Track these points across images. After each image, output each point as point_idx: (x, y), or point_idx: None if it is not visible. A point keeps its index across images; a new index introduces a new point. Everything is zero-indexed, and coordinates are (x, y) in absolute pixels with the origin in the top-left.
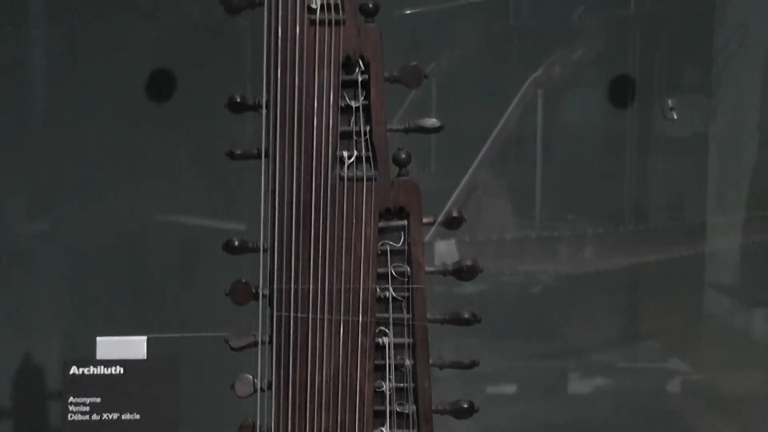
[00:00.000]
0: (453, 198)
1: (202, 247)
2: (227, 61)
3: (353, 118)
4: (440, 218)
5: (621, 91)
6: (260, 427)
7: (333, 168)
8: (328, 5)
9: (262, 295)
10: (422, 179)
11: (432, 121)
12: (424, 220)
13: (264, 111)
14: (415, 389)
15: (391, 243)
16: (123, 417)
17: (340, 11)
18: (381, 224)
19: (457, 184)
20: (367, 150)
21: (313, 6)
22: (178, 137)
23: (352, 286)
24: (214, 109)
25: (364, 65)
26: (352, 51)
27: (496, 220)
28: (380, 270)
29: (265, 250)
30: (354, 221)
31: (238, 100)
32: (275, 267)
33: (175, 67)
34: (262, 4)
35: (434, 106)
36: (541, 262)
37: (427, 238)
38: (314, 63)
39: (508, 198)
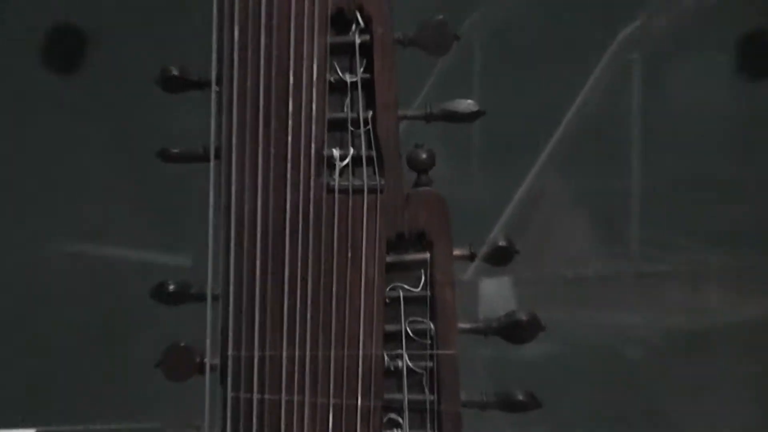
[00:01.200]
0: (503, 218)
1: (123, 293)
2: (167, 16)
3: (348, 100)
4: (482, 250)
5: (757, 55)
6: None
7: (318, 174)
8: None
9: (211, 366)
10: (455, 190)
11: (467, 104)
12: (456, 252)
13: (214, 90)
14: None
15: (405, 287)
16: None
17: None
18: (391, 258)
19: (509, 197)
20: (369, 147)
21: None
22: (90, 128)
23: (346, 353)
24: (145, 88)
25: (364, 21)
26: (347, 1)
27: (570, 248)
28: (389, 328)
29: (215, 299)
30: (350, 254)
31: (175, 73)
32: (231, 324)
33: (87, 23)
34: None
35: (474, 81)
36: (641, 309)
37: (465, 276)
38: (290, 18)
39: (589, 214)
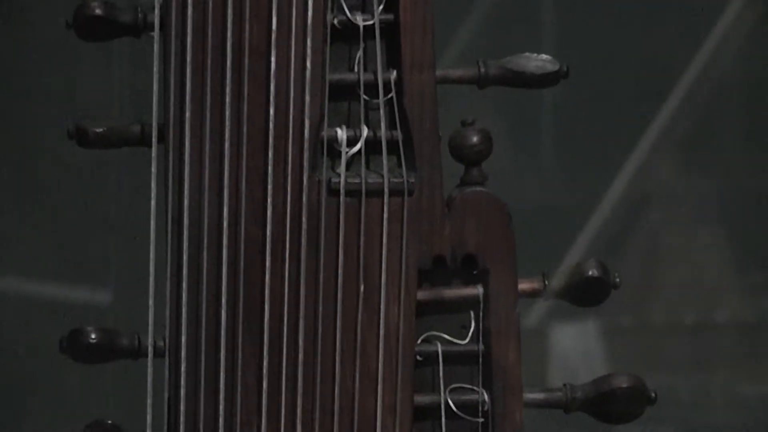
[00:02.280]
0: (588, 232)
1: (19, 340)
2: None
3: (360, 54)
4: (559, 281)
5: None
6: None
7: (313, 167)
8: None
9: None
10: (517, 189)
11: (540, 61)
12: (523, 286)
13: (157, 36)
14: None
15: (446, 337)
16: None
17: None
18: (424, 295)
19: (597, 201)
20: (391, 126)
21: None
22: None
23: None
24: (47, 35)
25: None
26: None
27: (690, 281)
28: (421, 399)
29: (159, 355)
30: (362, 288)
31: (97, 11)
32: (183, 393)
33: None
34: None
35: (544, 24)
36: None
37: (528, 320)
38: None
39: (720, 230)
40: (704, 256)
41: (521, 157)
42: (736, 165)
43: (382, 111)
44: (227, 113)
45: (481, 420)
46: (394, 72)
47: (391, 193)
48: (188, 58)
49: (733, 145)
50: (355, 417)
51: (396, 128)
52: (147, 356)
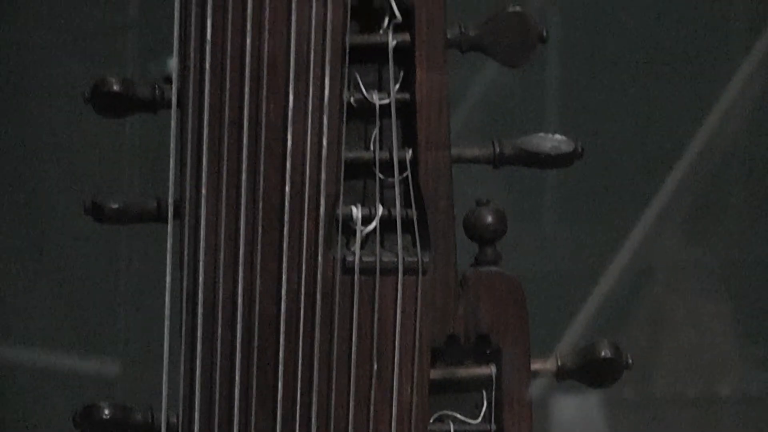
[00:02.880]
0: (592, 304)
1: (31, 411)
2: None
3: (376, 132)
4: (573, 362)
5: None
6: None
7: (328, 244)
8: None
9: None
10: (518, 256)
11: (556, 141)
12: (535, 366)
13: (174, 113)
14: None
15: (458, 417)
16: None
17: None
18: (437, 373)
19: (600, 271)
20: (406, 204)
21: None
22: None
23: None
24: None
25: (402, 12)
26: None
27: (695, 353)
28: None
29: (173, 431)
30: (375, 366)
31: (115, 87)
32: None
33: None
34: None
35: (547, 90)
36: None
37: (531, 392)
38: (289, 6)
39: (728, 299)
40: (708, 328)
41: (524, 224)
42: (742, 236)
43: (397, 189)
44: (243, 190)
45: None
46: (410, 151)
47: (406, 272)
48: (205, 134)
49: (738, 217)
50: None
51: (411, 207)
52: None
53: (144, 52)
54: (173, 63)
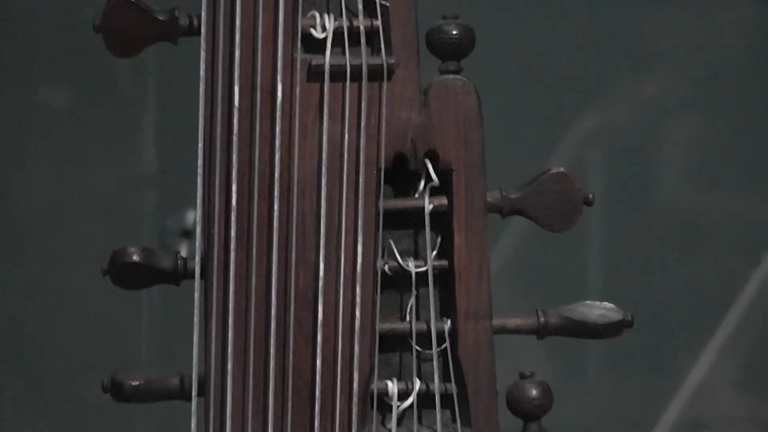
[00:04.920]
0: None
1: None
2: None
3: (412, 302)
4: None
5: None
6: None
7: (362, 422)
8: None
9: None
10: (564, 413)
11: (603, 310)
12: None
13: (198, 284)
14: None
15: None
16: None
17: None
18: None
19: (650, 426)
20: (445, 379)
21: (316, 34)
22: None
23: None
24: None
25: (438, 174)
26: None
27: None
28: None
29: None
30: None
31: (135, 258)
32: None
33: None
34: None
35: (596, 266)
36: None
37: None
38: (318, 173)
39: None
40: None
41: (567, 371)
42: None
43: (435, 363)
44: (271, 365)
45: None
46: (448, 321)
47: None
48: (230, 306)
49: None
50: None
51: (450, 381)
52: None
53: (162, 207)
54: (192, 217)
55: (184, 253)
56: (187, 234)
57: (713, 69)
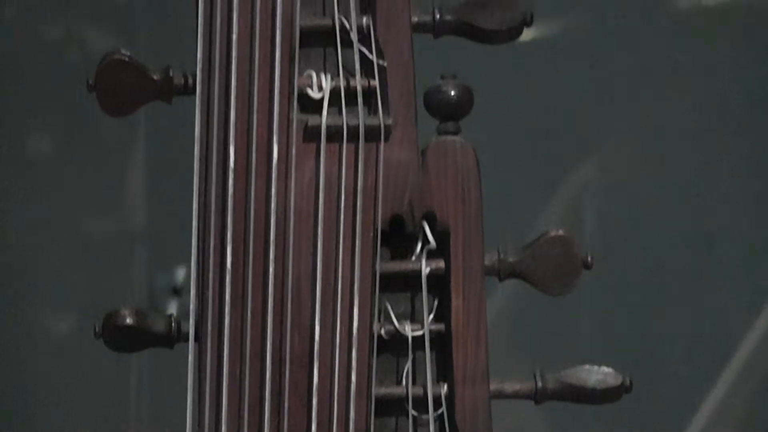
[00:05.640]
0: None
1: None
2: None
3: (408, 366)
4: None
5: None
6: None
7: None
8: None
9: None
10: None
11: (602, 375)
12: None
13: (191, 348)
14: None
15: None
16: None
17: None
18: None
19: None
20: None
21: (313, 94)
22: None
23: None
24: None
25: (436, 236)
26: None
27: None
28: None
29: None
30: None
31: (128, 321)
32: None
33: None
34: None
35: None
36: None
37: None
38: (314, 233)
39: None
40: None
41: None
42: None
43: (432, 428)
44: (266, 429)
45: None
46: (445, 385)
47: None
48: (225, 369)
49: None
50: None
51: None
52: None
53: (152, 263)
54: (182, 274)
55: (174, 310)
56: (178, 291)
57: (711, 122)
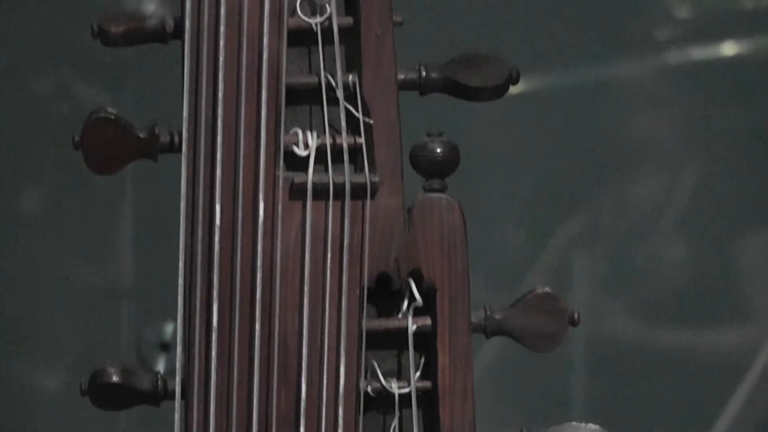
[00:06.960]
0: None
1: None
2: None
3: (395, 424)
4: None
5: None
6: None
7: None
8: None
9: None
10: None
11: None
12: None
13: (178, 403)
14: None
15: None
16: None
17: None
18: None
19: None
20: None
21: (299, 151)
22: None
23: None
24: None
25: (422, 294)
26: (394, 260)
27: None
28: None
29: None
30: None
31: (115, 379)
32: None
33: None
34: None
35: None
36: None
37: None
38: (300, 290)
39: None
40: None
41: None
42: None
43: None
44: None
45: None
46: None
47: None
48: (211, 427)
49: None
50: None
51: None
52: None
53: (140, 318)
54: (170, 329)
55: (162, 366)
56: (165, 347)
57: (704, 173)
